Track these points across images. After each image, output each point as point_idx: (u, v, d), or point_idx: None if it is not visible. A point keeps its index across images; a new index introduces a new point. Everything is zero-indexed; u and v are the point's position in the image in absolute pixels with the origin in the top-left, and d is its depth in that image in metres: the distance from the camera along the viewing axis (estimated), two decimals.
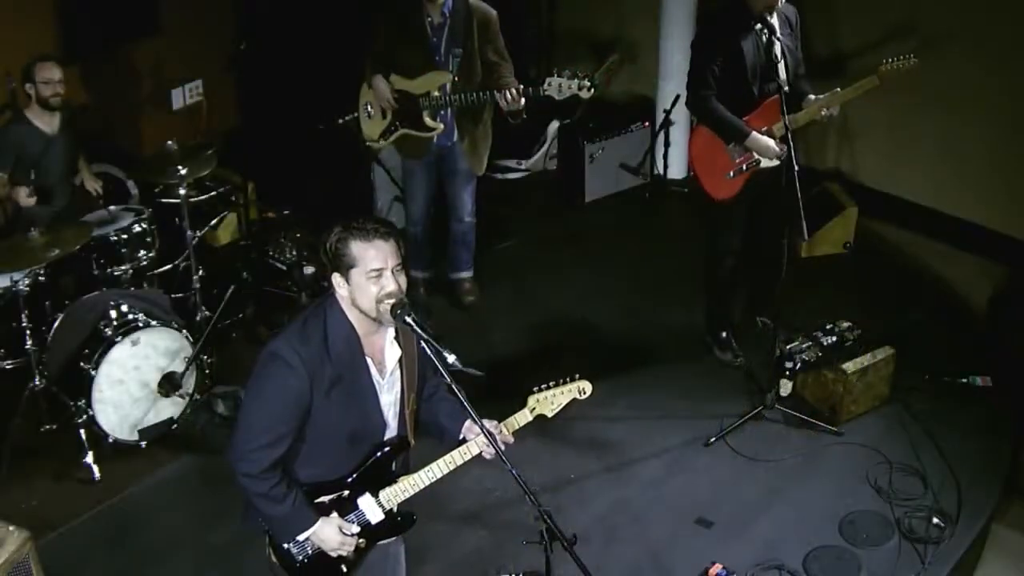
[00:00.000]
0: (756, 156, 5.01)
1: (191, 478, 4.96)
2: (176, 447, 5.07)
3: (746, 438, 5.06)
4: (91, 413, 4.86)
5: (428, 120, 5.51)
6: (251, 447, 3.02)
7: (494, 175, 7.22)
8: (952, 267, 6.36)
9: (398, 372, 3.17)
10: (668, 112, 6.86)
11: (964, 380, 5.32)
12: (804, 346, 5.16)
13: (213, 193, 6.00)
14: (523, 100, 5.25)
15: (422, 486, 3.22)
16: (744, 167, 5.04)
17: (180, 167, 5.27)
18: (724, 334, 5.60)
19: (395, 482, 3.22)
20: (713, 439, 5.04)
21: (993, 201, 6.30)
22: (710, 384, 5.42)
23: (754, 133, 4.92)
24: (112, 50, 6.42)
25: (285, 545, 3.20)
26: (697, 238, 6.15)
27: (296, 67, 6.78)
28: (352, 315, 3.03)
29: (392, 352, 3.15)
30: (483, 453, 3.20)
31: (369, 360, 3.09)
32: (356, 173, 6.59)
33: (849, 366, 5.01)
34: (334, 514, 3.19)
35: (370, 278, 2.95)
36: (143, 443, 5.04)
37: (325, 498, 3.19)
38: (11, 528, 3.70)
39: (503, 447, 3.17)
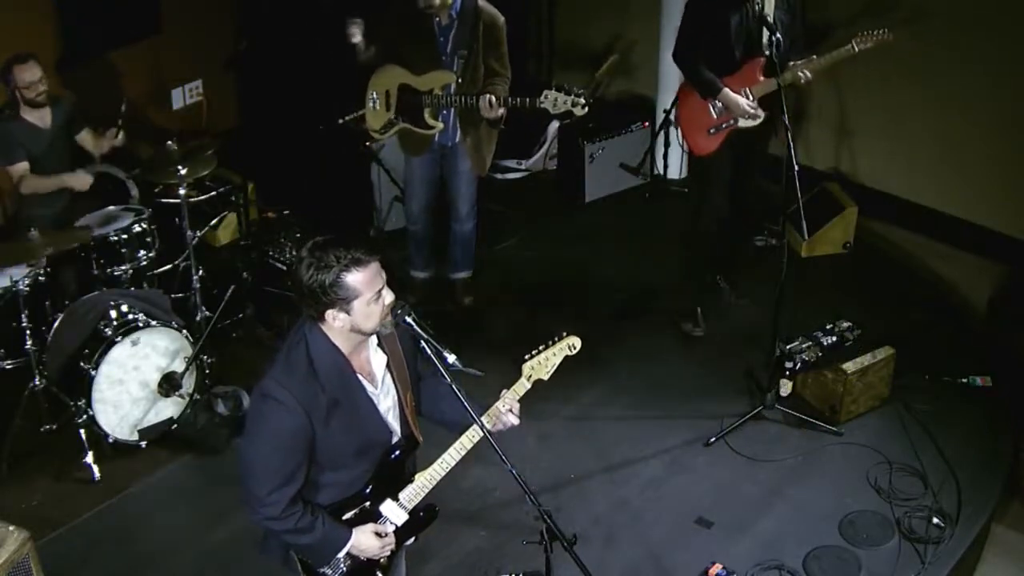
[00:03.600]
0: (734, 116, 5.30)
1: (191, 478, 4.96)
2: (176, 447, 5.08)
3: (746, 438, 5.06)
4: (91, 413, 4.86)
5: (428, 118, 5.52)
6: (265, 491, 2.99)
7: (494, 175, 7.22)
8: (952, 267, 6.36)
9: (388, 377, 3.16)
10: (668, 112, 6.85)
11: (964, 380, 5.32)
12: (804, 346, 5.16)
13: (213, 193, 6.00)
14: (502, 110, 5.29)
15: (439, 478, 3.23)
16: (723, 125, 5.36)
17: (180, 167, 5.27)
18: (698, 308, 5.77)
19: (411, 481, 3.23)
20: (713, 439, 5.04)
21: (993, 201, 6.30)
22: (710, 384, 5.43)
23: (726, 90, 5.26)
24: (112, 50, 6.42)
25: (320, 568, 3.21)
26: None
27: (296, 67, 6.78)
28: (337, 337, 3.00)
29: (378, 359, 3.13)
30: (494, 427, 3.20)
31: (360, 376, 3.07)
32: (356, 173, 6.59)
33: (849, 366, 5.01)
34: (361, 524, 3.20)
35: (373, 301, 2.94)
36: (143, 443, 5.04)
37: (349, 514, 3.19)
38: (11, 528, 3.70)
39: (507, 425, 3.21)
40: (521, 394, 3.23)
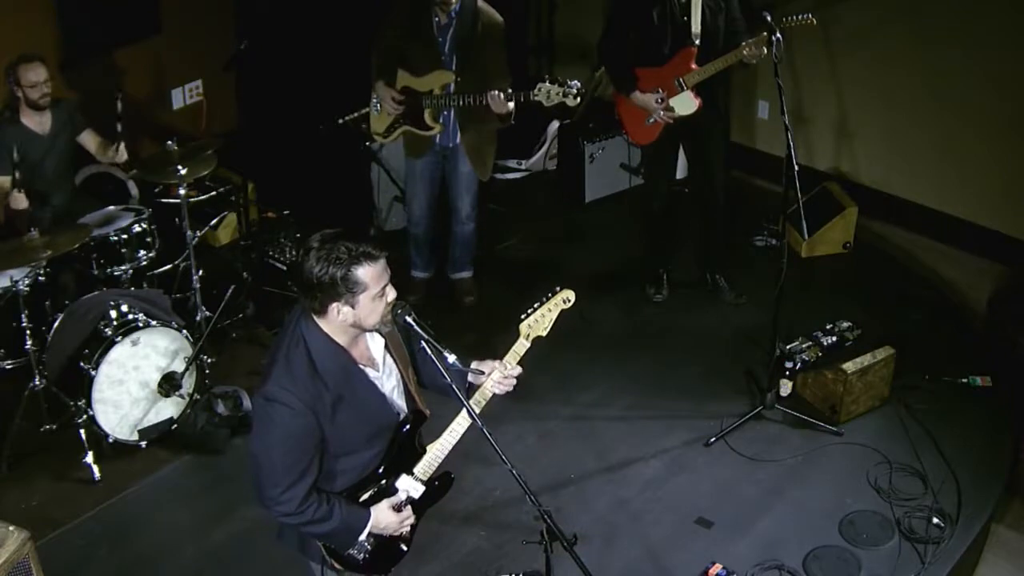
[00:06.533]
0: (671, 104, 5.38)
1: (191, 478, 4.96)
2: (176, 447, 5.08)
3: (746, 438, 5.06)
4: (91, 413, 4.86)
5: (428, 119, 5.52)
6: (278, 491, 3.01)
7: (494, 175, 7.21)
8: (952, 267, 6.36)
9: (389, 358, 3.20)
10: None
11: (964, 380, 5.32)
12: (804, 346, 5.17)
13: (213, 193, 6.00)
14: (511, 104, 5.29)
15: (450, 447, 3.25)
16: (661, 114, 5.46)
17: (180, 167, 5.27)
18: (661, 270, 6.05)
19: (424, 453, 3.26)
20: (713, 439, 5.04)
21: (993, 201, 6.30)
22: (710, 384, 5.43)
23: (636, 92, 5.43)
24: (113, 50, 6.42)
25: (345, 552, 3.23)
26: (697, 238, 6.19)
27: (296, 67, 6.78)
28: (335, 332, 3.02)
29: (376, 344, 3.17)
30: (496, 392, 3.24)
31: (361, 365, 3.10)
32: (356, 173, 6.59)
33: (849, 366, 5.01)
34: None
35: (377, 297, 2.97)
36: (143, 443, 5.04)
37: (366, 495, 3.21)
38: (11, 528, 3.69)
39: (514, 383, 3.24)
40: (522, 354, 3.24)
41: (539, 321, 3.24)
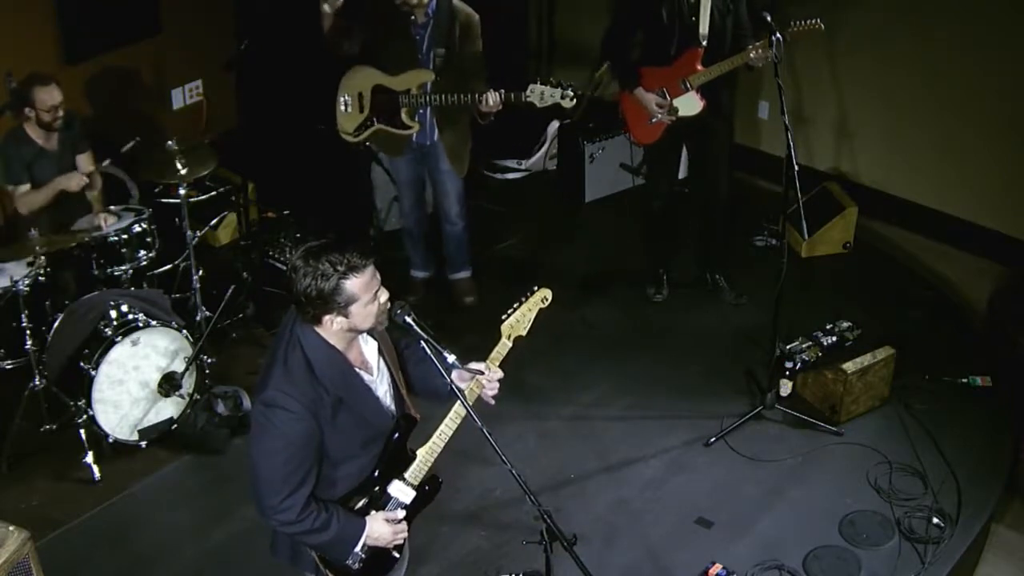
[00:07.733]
0: (675, 105, 5.38)
1: (191, 478, 4.96)
2: (176, 447, 5.08)
3: (746, 438, 5.06)
4: (91, 413, 4.86)
5: (405, 118, 5.50)
6: (279, 499, 3.00)
7: (494, 175, 7.22)
8: (952, 267, 6.36)
9: (382, 362, 3.21)
10: None
11: (964, 380, 5.32)
12: (804, 346, 5.17)
13: (213, 193, 6.00)
14: (502, 105, 5.28)
15: (439, 450, 3.25)
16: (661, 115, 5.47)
17: (180, 167, 5.27)
18: (661, 270, 6.04)
19: (414, 458, 3.25)
20: (713, 439, 5.04)
21: (993, 201, 6.30)
22: (710, 384, 5.43)
23: (639, 88, 5.43)
24: (112, 50, 6.42)
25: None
26: (697, 238, 6.19)
27: (296, 67, 6.78)
28: (332, 337, 3.02)
29: (370, 348, 3.18)
30: (482, 396, 3.25)
31: (357, 368, 3.10)
32: (356, 173, 6.58)
33: (849, 366, 5.01)
34: (373, 511, 3.23)
35: (369, 303, 2.97)
36: (143, 443, 5.04)
37: (360, 503, 3.21)
38: (11, 528, 3.69)
39: (497, 386, 3.26)
40: (504, 355, 3.27)
41: (519, 321, 3.29)
